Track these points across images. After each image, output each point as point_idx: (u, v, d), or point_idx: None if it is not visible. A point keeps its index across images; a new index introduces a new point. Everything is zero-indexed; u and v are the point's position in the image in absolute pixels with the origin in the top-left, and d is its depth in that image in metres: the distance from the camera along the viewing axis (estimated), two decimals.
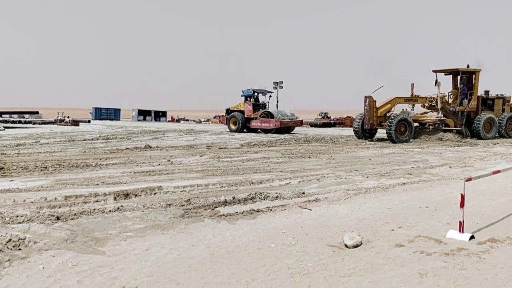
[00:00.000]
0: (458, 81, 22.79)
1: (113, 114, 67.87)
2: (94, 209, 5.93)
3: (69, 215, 5.59)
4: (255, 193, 7.07)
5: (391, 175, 9.67)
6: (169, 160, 11.66)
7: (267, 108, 29.05)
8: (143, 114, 67.63)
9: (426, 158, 13.30)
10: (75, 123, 36.95)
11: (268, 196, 6.99)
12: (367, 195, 7.39)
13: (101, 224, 5.32)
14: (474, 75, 22.63)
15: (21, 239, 4.50)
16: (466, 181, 5.04)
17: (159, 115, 70.21)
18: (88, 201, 6.45)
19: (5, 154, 12.65)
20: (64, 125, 35.92)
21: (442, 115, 21.99)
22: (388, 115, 21.12)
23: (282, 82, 29.94)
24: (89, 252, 4.27)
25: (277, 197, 7.02)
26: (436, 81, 22.10)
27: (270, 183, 8.31)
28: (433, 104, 21.77)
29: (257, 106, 28.79)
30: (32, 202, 6.31)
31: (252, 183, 8.30)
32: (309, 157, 13.13)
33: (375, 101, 20.88)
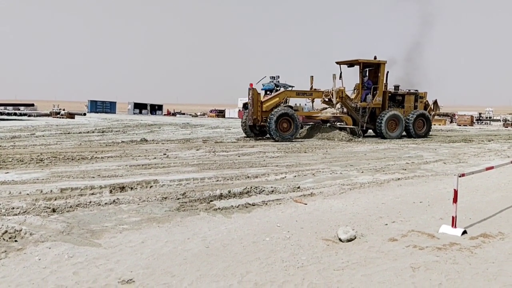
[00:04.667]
0: (360, 74, 21.05)
1: (109, 107, 67.70)
2: (90, 202, 5.95)
3: (65, 208, 5.61)
4: (251, 187, 7.11)
5: (386, 170, 9.73)
6: (165, 154, 11.68)
7: (287, 103, 27.83)
8: (139, 107, 67.48)
9: (421, 154, 13.38)
10: (71, 115, 36.85)
11: (263, 190, 7.03)
12: (361, 190, 7.44)
13: (97, 216, 5.34)
14: (379, 68, 20.66)
15: (17, 231, 4.51)
16: (459, 177, 5.09)
17: (155, 109, 70.07)
18: (84, 194, 6.46)
19: (0, 146, 12.62)
20: (60, 117, 35.80)
21: (338, 111, 20.12)
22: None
23: (278, 76, 29.83)
24: (85, 244, 4.29)
25: (272, 191, 7.06)
26: (341, 74, 20.47)
27: (265, 178, 8.35)
28: (330, 99, 19.70)
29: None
30: (27, 194, 6.31)
31: (248, 177, 8.34)
32: (305, 152, 13.18)
33: (259, 93, 18.64)
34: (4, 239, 4.31)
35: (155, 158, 10.82)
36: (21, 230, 4.53)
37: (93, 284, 3.40)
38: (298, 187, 7.44)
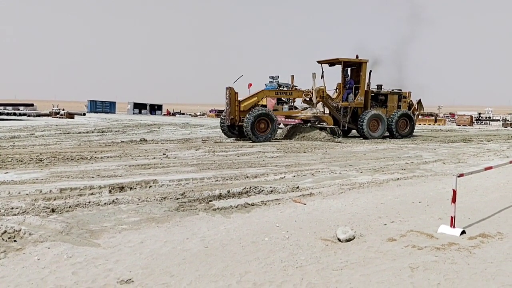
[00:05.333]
0: (342, 73, 20.67)
1: (108, 107, 67.69)
2: (89, 202, 5.95)
3: (64, 208, 5.61)
4: (250, 187, 7.11)
5: (385, 170, 9.73)
6: (164, 154, 11.68)
7: (289, 103, 27.42)
8: (139, 107, 67.47)
9: (420, 154, 13.39)
10: (70, 115, 36.85)
11: (262, 190, 7.03)
12: (361, 190, 7.45)
13: (96, 216, 5.34)
14: (361, 67, 20.20)
15: (16, 231, 4.52)
16: (458, 177, 5.10)
17: (154, 109, 70.08)
18: (83, 194, 6.47)
19: None
20: (59, 117, 35.80)
21: (318, 111, 19.55)
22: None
23: (278, 76, 29.69)
24: (84, 244, 4.30)
25: (271, 191, 7.06)
26: (322, 73, 20.08)
27: (265, 178, 8.36)
28: (311, 98, 19.27)
29: (281, 100, 27.21)
30: (27, 194, 6.32)
31: (247, 177, 8.34)
32: (304, 152, 13.19)
33: (237, 93, 17.96)
34: (3, 239, 4.31)
35: (154, 158, 10.82)
36: (20, 230, 4.53)
37: (92, 284, 3.41)
38: (297, 187, 7.44)
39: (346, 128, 20.19)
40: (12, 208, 5.47)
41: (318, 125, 18.54)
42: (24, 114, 36.54)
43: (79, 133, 19.04)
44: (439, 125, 44.10)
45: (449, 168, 10.40)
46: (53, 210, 5.48)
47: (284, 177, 8.51)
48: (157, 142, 15.43)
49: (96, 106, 65.76)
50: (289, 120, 20.69)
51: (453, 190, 5.05)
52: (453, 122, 54.42)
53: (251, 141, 16.83)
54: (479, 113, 61.65)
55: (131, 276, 3.57)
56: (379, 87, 21.35)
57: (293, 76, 20.15)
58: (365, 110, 20.22)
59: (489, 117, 60.18)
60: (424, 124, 45.08)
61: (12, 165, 9.07)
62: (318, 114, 19.12)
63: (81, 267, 3.73)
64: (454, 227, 4.99)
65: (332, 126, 18.61)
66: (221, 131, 18.96)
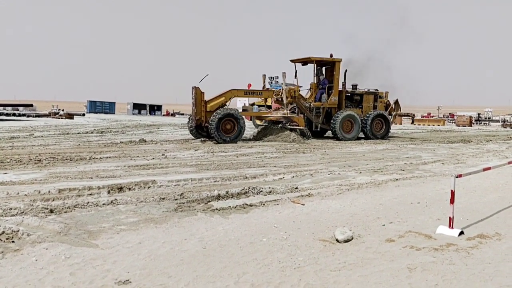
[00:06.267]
0: (317, 72, 19.96)
1: (108, 107, 67.64)
2: (88, 202, 5.95)
3: (62, 208, 5.61)
4: (249, 188, 7.11)
5: (384, 171, 9.74)
6: (164, 154, 11.68)
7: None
8: (138, 108, 67.42)
9: (420, 155, 13.39)
10: (70, 116, 36.84)
11: (261, 191, 7.03)
12: (359, 191, 7.45)
13: (94, 217, 5.34)
14: (334, 66, 19.57)
15: (15, 231, 4.51)
16: (456, 177, 5.10)
17: (154, 109, 70.01)
18: (82, 195, 6.46)
19: None
20: (59, 118, 35.79)
21: (288, 111, 18.76)
22: None
23: (277, 77, 29.68)
24: (82, 245, 4.29)
25: (270, 191, 7.06)
26: (296, 72, 19.57)
27: (263, 178, 8.36)
28: (281, 99, 18.57)
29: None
30: (25, 195, 6.32)
31: (246, 177, 8.34)
32: (303, 152, 13.19)
33: (203, 93, 17.23)
34: (1, 240, 4.31)
35: (153, 158, 10.82)
36: (18, 231, 4.53)
37: (89, 285, 3.41)
38: (296, 188, 7.44)
39: (319, 129, 19.76)
40: (11, 208, 5.47)
41: (288, 126, 17.96)
42: (24, 115, 36.54)
43: (78, 133, 19.03)
44: (438, 125, 44.13)
45: (448, 169, 10.40)
46: (51, 211, 5.48)
47: (283, 177, 8.51)
48: (156, 143, 15.43)
49: (96, 107, 65.74)
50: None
51: (451, 190, 5.05)
52: (452, 122, 54.46)
53: (252, 141, 16.79)
54: (479, 114, 61.72)
55: (129, 277, 3.57)
56: (354, 86, 20.76)
57: (264, 75, 19.65)
58: (339, 110, 19.62)
59: (489, 118, 60.23)
60: (424, 125, 45.12)
61: (11, 165, 9.06)
62: (288, 115, 18.46)
63: (79, 267, 3.73)
64: (452, 227, 4.99)
65: (301, 128, 17.97)
66: (189, 132, 18.24)
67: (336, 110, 19.66)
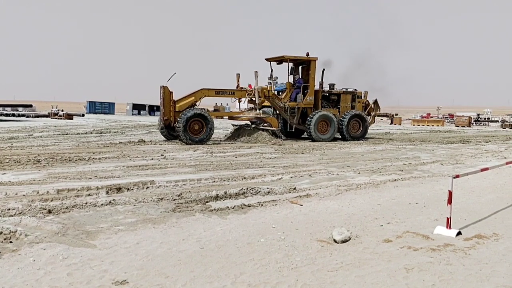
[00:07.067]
0: (293, 71, 19.49)
1: (107, 108, 67.55)
2: (86, 203, 5.96)
3: (61, 209, 5.62)
4: (247, 188, 7.12)
5: (383, 171, 9.75)
6: (162, 155, 11.69)
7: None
8: (138, 108, 67.32)
9: (418, 155, 13.40)
10: (69, 116, 36.82)
11: (259, 191, 7.04)
12: (358, 191, 7.46)
13: (92, 217, 5.34)
14: (310, 65, 19.01)
15: (12, 232, 4.52)
16: (454, 178, 5.11)
17: (154, 110, 69.92)
18: (80, 195, 6.46)
19: None
20: (58, 118, 35.78)
21: (260, 111, 18.35)
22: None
23: (277, 77, 29.64)
24: (80, 245, 4.30)
25: (268, 192, 7.07)
26: (271, 72, 19.19)
27: (262, 178, 8.36)
28: (253, 99, 18.01)
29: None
30: (24, 195, 6.32)
31: (245, 178, 8.35)
32: (302, 153, 13.20)
33: (172, 92, 16.71)
34: None
35: (152, 159, 10.82)
36: (16, 231, 4.54)
37: (87, 285, 3.41)
38: (294, 188, 7.45)
39: (293, 130, 19.43)
40: (9, 209, 5.47)
41: (261, 127, 17.52)
42: (23, 115, 36.52)
43: (77, 134, 19.02)
44: (437, 126, 44.14)
45: (446, 169, 10.41)
46: (49, 211, 5.48)
47: (282, 178, 8.52)
48: (156, 143, 15.43)
49: (95, 107, 65.67)
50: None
51: (449, 191, 5.06)
52: (451, 123, 54.49)
53: (251, 143, 16.59)
54: (478, 114, 61.75)
55: (126, 277, 3.58)
56: (332, 86, 20.14)
57: (238, 74, 19.08)
58: (315, 110, 19.10)
59: (488, 118, 60.25)
60: (423, 125, 45.14)
61: (10, 166, 9.06)
62: (261, 115, 18.04)
63: (76, 268, 3.73)
64: (450, 228, 5.00)
65: (273, 129, 17.54)
66: (160, 133, 17.84)
67: (312, 110, 19.17)
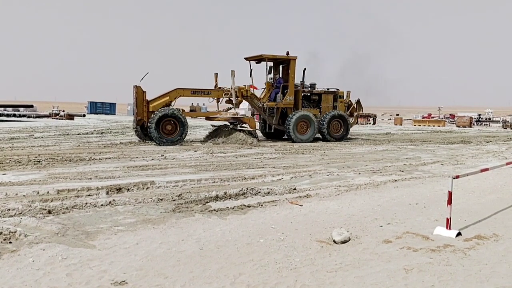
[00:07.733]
0: (273, 70, 19.05)
1: (108, 108, 67.55)
2: (86, 203, 5.96)
3: (60, 209, 5.62)
4: (247, 189, 7.12)
5: (383, 172, 9.74)
6: (163, 155, 11.70)
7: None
8: None
9: (419, 156, 13.39)
10: (70, 117, 36.85)
11: (259, 192, 7.04)
12: (358, 192, 7.45)
13: (92, 218, 5.35)
14: (289, 64, 18.59)
15: (12, 232, 4.53)
16: (454, 178, 5.11)
17: None
18: (80, 195, 6.47)
19: None
20: (59, 119, 35.82)
21: (237, 111, 17.89)
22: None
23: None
24: (79, 246, 4.30)
25: (268, 192, 7.06)
26: (251, 71, 18.81)
27: (262, 179, 8.36)
28: (231, 98, 17.72)
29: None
30: (24, 195, 6.33)
31: (245, 178, 8.34)
32: (303, 153, 13.20)
33: (145, 92, 16.32)
34: None
35: (152, 159, 10.83)
36: (16, 232, 4.54)
37: (86, 286, 3.41)
38: (294, 189, 7.45)
39: (273, 130, 19.23)
40: (9, 209, 5.48)
41: (239, 128, 17.16)
42: (24, 115, 36.56)
43: (78, 134, 19.05)
44: (438, 126, 44.10)
45: (447, 170, 10.40)
46: (49, 212, 5.48)
47: (282, 178, 8.52)
48: (156, 144, 15.43)
49: (96, 108, 65.69)
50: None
51: (449, 191, 5.06)
52: (452, 123, 54.43)
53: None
54: (479, 115, 61.64)
55: (125, 277, 3.58)
56: (313, 86, 19.70)
57: (216, 74, 18.66)
58: (296, 110, 18.66)
59: (489, 119, 60.16)
60: (424, 126, 45.11)
61: (10, 166, 9.08)
62: (238, 116, 17.66)
63: (75, 268, 3.74)
64: (450, 228, 5.00)
65: (249, 129, 17.09)
66: (134, 133, 17.47)
67: (292, 110, 18.75)
